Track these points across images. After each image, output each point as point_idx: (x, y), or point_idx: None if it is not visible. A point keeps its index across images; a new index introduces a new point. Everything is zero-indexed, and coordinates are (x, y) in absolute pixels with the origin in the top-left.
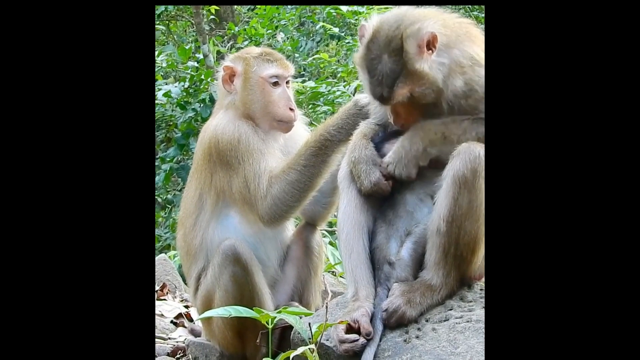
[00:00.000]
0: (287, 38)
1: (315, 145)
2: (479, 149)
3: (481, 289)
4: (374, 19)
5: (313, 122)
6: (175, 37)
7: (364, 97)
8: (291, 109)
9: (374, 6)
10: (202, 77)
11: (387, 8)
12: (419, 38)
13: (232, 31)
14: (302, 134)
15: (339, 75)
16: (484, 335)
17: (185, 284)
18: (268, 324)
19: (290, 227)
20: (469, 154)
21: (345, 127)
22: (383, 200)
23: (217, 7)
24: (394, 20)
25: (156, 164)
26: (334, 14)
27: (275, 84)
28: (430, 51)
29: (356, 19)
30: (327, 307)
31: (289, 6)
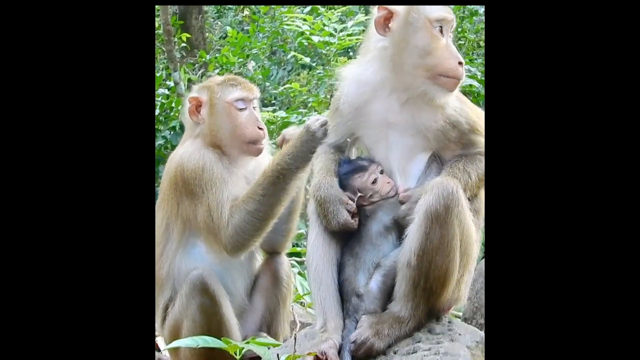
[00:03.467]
0: (258, 67)
1: (272, 175)
2: (453, 184)
3: (449, 322)
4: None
5: None
6: None
7: (315, 122)
8: (260, 128)
9: (345, 38)
10: (173, 104)
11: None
12: None
13: (204, 59)
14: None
15: (309, 105)
16: None
17: None
18: (236, 355)
19: (258, 257)
20: (442, 190)
21: (300, 154)
22: (350, 233)
23: (188, 35)
24: None
25: None
26: (305, 43)
27: (242, 108)
28: None
29: (327, 49)
30: (295, 338)
31: (261, 35)
